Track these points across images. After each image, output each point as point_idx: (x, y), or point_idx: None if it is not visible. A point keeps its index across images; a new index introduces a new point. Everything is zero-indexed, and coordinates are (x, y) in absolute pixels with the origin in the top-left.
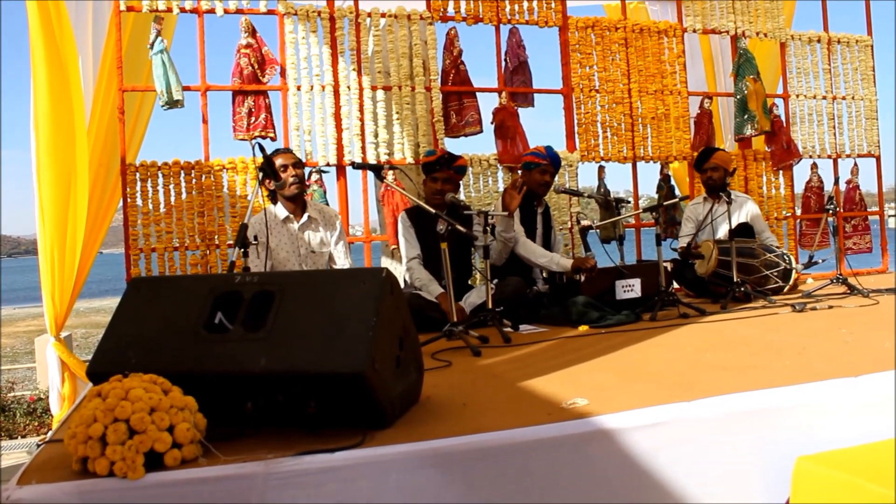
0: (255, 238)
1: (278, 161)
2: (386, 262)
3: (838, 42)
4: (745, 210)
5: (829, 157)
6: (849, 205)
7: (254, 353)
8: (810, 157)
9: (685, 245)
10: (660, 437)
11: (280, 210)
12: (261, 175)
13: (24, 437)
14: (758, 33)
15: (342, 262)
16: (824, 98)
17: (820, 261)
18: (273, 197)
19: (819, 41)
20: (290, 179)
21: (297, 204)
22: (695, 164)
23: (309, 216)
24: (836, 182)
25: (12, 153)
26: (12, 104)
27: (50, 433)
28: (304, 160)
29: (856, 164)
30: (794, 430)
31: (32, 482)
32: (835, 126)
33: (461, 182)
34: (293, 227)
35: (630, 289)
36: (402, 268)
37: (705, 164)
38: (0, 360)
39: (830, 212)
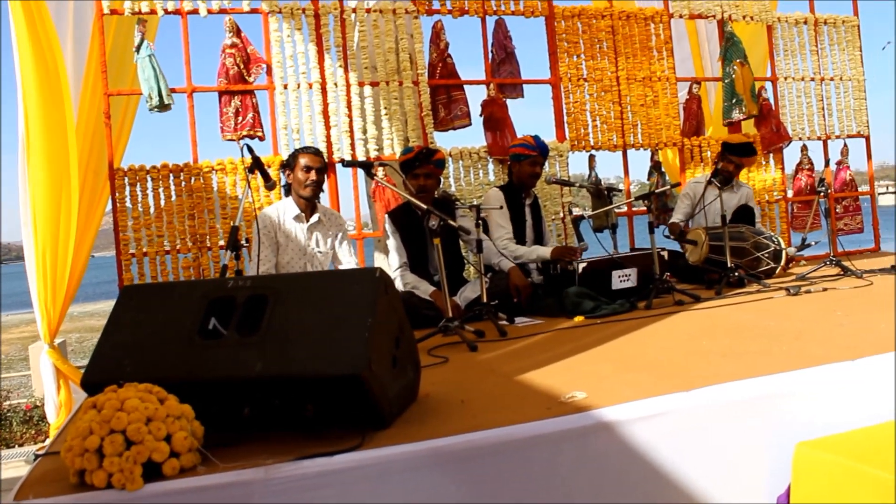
0: (247, 240)
1: (303, 161)
2: (380, 258)
3: (825, 23)
4: (746, 196)
5: (819, 138)
6: (839, 186)
7: (249, 357)
8: (800, 139)
9: (675, 222)
10: (660, 427)
11: (291, 207)
12: (259, 174)
13: (21, 445)
14: (744, 17)
15: (347, 260)
16: (812, 80)
17: (813, 243)
18: (287, 189)
19: (806, 23)
20: (310, 183)
21: (308, 204)
22: (729, 147)
23: (318, 217)
24: (827, 163)
25: None
26: None
27: (47, 442)
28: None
29: (846, 145)
30: (793, 415)
31: (30, 497)
32: (824, 107)
33: (442, 176)
34: (303, 226)
35: (626, 278)
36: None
37: (744, 157)
38: (0, 367)
39: (822, 193)
